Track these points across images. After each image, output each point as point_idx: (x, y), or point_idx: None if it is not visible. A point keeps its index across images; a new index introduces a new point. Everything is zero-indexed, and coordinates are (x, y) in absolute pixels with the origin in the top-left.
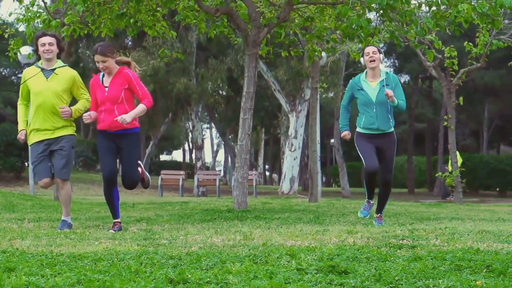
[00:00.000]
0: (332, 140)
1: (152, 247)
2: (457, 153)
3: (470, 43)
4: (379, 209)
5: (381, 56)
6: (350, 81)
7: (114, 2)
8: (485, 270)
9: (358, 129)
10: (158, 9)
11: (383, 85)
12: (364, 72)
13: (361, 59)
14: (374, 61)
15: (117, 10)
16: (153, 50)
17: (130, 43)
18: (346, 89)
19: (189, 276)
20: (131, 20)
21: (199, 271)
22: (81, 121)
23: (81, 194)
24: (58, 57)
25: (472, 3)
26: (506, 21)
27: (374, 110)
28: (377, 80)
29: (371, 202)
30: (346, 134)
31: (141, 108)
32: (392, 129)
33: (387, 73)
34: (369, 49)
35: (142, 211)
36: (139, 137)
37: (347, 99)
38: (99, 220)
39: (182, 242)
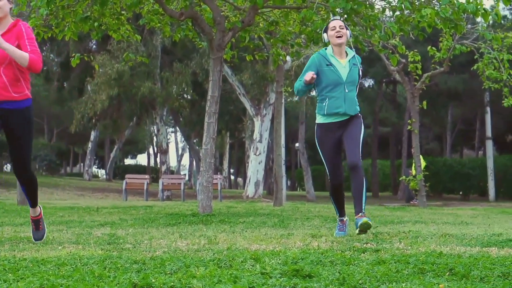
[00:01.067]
0: (297, 144)
1: (116, 251)
2: (420, 156)
3: (434, 48)
4: (358, 206)
5: (349, 32)
6: (314, 55)
7: (78, 6)
8: (448, 273)
9: (318, 120)
10: (122, 12)
11: (354, 64)
12: (328, 48)
13: (324, 35)
14: (341, 36)
15: (81, 14)
16: (117, 53)
17: (94, 46)
18: (307, 65)
19: (153, 280)
20: (95, 24)
21: (163, 275)
22: (45, 124)
23: (45, 198)
24: None
25: (435, 8)
26: (469, 26)
27: (345, 91)
28: (345, 59)
29: (345, 219)
30: (310, 73)
31: (24, 54)
32: (358, 113)
33: (352, 51)
34: (335, 23)
35: (106, 215)
36: (32, 113)
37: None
38: (63, 224)
39: (146, 247)
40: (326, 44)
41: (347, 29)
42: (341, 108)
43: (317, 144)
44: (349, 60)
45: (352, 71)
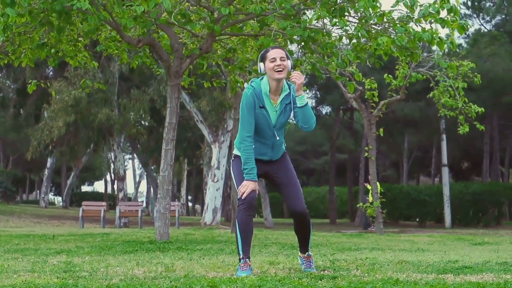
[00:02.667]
0: None
1: (72, 279)
2: (377, 183)
3: (390, 75)
4: (304, 245)
5: (290, 63)
6: (248, 92)
7: (34, 32)
8: None
9: (236, 152)
10: (79, 39)
11: (287, 103)
12: (265, 80)
13: (260, 65)
14: (281, 71)
15: (38, 40)
16: (74, 80)
17: (51, 73)
18: (243, 105)
19: None
20: (52, 50)
21: None
22: (1, 151)
23: (0, 226)
24: None
25: (392, 36)
26: (425, 54)
27: (275, 138)
28: (279, 96)
29: (249, 262)
30: (254, 186)
31: None
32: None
33: (290, 85)
34: (275, 53)
35: (63, 243)
36: None
37: (251, 121)
38: (18, 252)
39: (102, 274)
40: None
41: (288, 58)
42: (267, 156)
43: (232, 170)
44: (281, 100)
45: (283, 114)
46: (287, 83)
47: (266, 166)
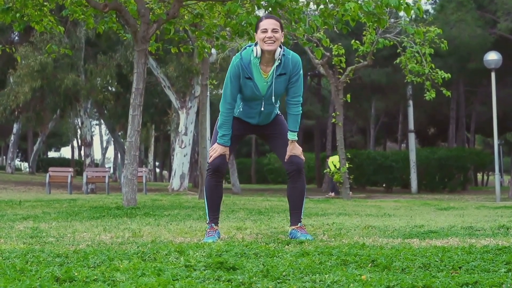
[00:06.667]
0: None
1: (39, 245)
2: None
3: (357, 41)
4: (296, 215)
5: (282, 34)
6: (235, 62)
7: None
8: (370, 264)
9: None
10: (45, 3)
11: (279, 74)
12: (258, 50)
13: (256, 35)
14: (272, 43)
15: (2, 5)
16: (40, 45)
17: (16, 38)
18: (228, 74)
19: (76, 274)
20: (18, 15)
21: (86, 269)
22: None
23: None
24: None
25: (359, 2)
26: (392, 20)
27: (261, 109)
28: (271, 67)
29: (216, 227)
30: (223, 150)
31: None
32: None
33: (285, 53)
34: (268, 24)
35: (29, 209)
36: None
37: (233, 91)
38: None
39: (69, 240)
40: (250, 38)
41: (282, 29)
42: (254, 120)
43: (216, 129)
44: (273, 71)
45: (275, 85)
46: (280, 52)
47: (255, 129)
